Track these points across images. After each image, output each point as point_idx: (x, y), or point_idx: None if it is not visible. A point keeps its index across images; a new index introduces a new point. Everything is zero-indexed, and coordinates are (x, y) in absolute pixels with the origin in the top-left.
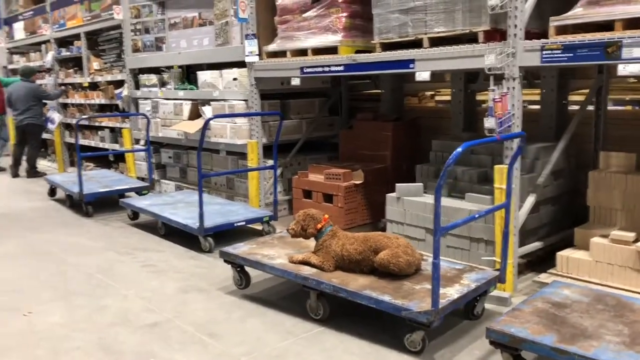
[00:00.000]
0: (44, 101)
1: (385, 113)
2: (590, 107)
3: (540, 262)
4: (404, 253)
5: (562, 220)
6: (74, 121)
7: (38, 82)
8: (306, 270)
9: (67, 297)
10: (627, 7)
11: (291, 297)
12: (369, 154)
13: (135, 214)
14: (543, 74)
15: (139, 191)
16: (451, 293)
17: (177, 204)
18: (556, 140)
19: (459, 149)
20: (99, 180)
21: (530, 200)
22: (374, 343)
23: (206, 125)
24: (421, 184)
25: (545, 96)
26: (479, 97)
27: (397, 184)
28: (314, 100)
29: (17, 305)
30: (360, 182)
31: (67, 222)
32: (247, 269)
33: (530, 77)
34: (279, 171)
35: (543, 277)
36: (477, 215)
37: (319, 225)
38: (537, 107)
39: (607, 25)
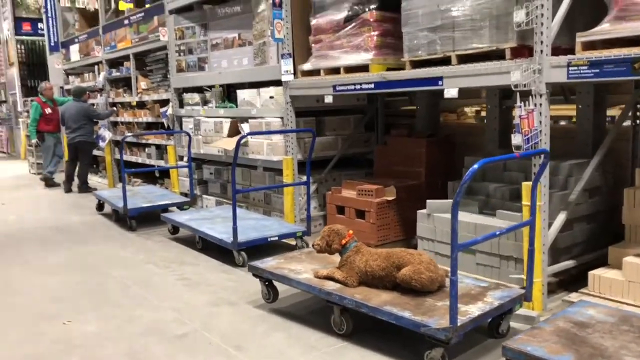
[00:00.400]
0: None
1: (420, 129)
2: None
3: (573, 281)
4: (426, 269)
5: (598, 239)
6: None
7: (91, 101)
8: (330, 286)
9: (104, 308)
10: None
11: (317, 311)
12: (403, 170)
13: (175, 228)
14: (579, 89)
15: (181, 206)
16: (472, 310)
17: (214, 219)
18: (593, 157)
19: (475, 166)
20: (143, 195)
21: (561, 217)
22: (395, 359)
23: (239, 142)
24: (452, 200)
25: (581, 112)
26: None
27: (427, 201)
28: (349, 117)
29: (58, 314)
30: (393, 198)
31: (112, 236)
32: (275, 283)
33: (566, 92)
34: (314, 187)
35: (574, 296)
36: (497, 233)
37: (344, 241)
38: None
39: (637, 40)
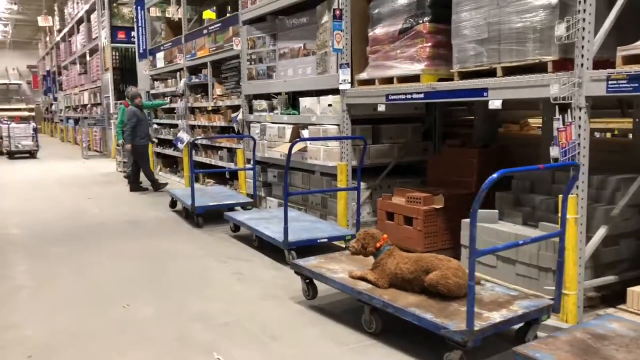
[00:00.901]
0: (176, 122)
1: (477, 139)
2: None
3: (616, 297)
4: (453, 275)
5: None
6: (199, 141)
7: (172, 105)
8: (362, 286)
9: (161, 294)
10: None
11: (351, 310)
12: (456, 180)
13: (236, 227)
14: (636, 102)
15: (244, 206)
16: (495, 317)
17: (271, 219)
18: None
19: (494, 175)
20: (211, 195)
21: (601, 232)
22: (417, 359)
23: (292, 147)
24: (496, 210)
25: (637, 125)
26: None
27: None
28: (407, 125)
29: (120, 297)
30: (441, 206)
31: (180, 231)
32: (315, 281)
33: (624, 106)
34: (368, 193)
35: (610, 312)
36: (520, 242)
37: (378, 244)
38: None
39: None
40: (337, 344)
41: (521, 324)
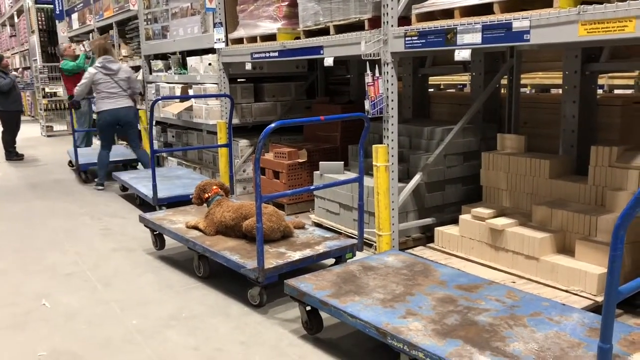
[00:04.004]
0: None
1: (354, 97)
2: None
3: None
4: (267, 220)
5: (476, 200)
6: None
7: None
8: (192, 234)
9: (22, 250)
10: None
11: (192, 258)
12: (324, 135)
13: (124, 186)
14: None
15: (135, 165)
16: (294, 255)
17: (157, 178)
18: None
19: (272, 125)
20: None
21: (416, 178)
22: (231, 297)
23: (153, 106)
24: (342, 162)
25: (474, 79)
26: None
27: (320, 162)
28: (290, 84)
29: None
30: (304, 160)
31: (72, 191)
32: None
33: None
34: (250, 150)
35: (417, 250)
36: (311, 187)
37: (206, 195)
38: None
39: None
40: (165, 288)
41: (333, 262)
